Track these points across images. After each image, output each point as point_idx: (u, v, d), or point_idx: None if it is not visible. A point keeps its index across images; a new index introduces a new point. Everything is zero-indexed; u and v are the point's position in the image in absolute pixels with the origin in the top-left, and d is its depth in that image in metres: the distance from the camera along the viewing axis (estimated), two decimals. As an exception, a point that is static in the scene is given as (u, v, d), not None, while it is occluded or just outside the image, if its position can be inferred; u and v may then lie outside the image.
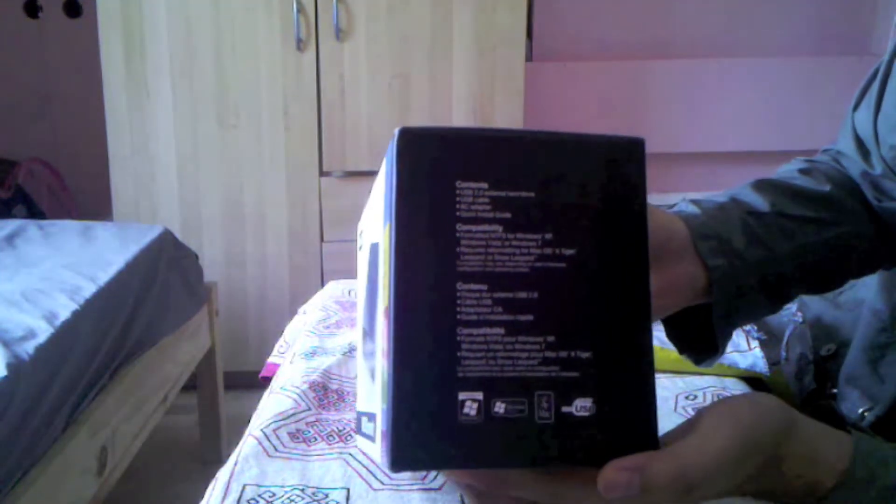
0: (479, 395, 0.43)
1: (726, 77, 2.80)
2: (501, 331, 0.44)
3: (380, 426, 0.45)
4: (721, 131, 2.84)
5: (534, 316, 0.44)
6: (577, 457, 0.44)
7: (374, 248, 0.50)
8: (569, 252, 0.45)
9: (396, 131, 0.44)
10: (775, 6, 2.82)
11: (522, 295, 0.44)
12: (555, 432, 0.44)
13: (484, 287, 0.44)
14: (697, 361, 0.65)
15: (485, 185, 0.45)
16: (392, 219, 0.44)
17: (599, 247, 0.46)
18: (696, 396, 0.85)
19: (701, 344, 0.64)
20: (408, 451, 0.42)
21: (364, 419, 0.55)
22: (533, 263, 0.45)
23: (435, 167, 0.44)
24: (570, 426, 0.44)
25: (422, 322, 0.43)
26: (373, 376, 0.49)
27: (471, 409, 0.43)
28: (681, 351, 0.65)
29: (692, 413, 0.82)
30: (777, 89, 2.80)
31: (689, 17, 2.82)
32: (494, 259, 0.44)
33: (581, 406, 0.44)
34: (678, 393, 0.86)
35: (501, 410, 0.43)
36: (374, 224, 0.50)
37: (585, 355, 0.45)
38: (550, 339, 0.44)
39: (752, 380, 0.91)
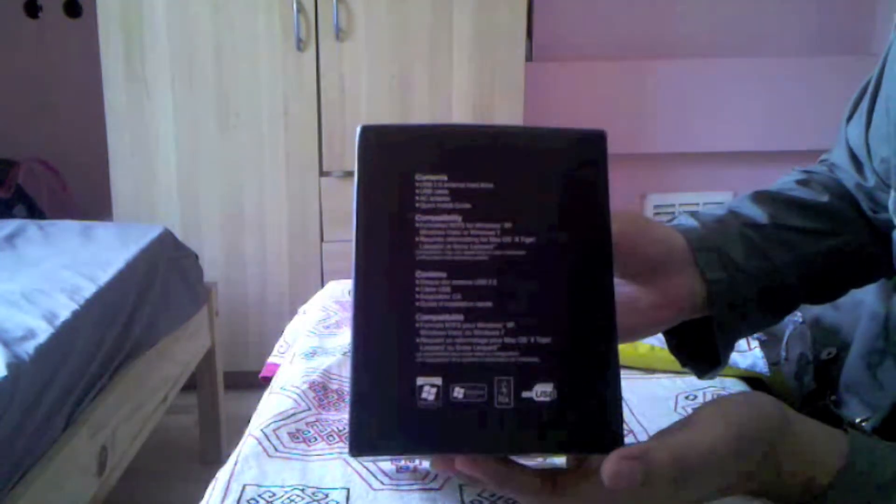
0: (438, 381, 0.44)
1: (726, 77, 2.80)
2: (460, 317, 0.45)
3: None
4: (721, 131, 2.84)
5: (493, 303, 0.45)
6: (540, 442, 0.45)
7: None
8: (528, 240, 0.46)
9: (358, 129, 0.46)
10: (775, 6, 2.82)
11: (482, 282, 0.46)
12: (515, 417, 0.44)
13: (443, 275, 0.45)
14: (700, 374, 0.64)
15: (444, 178, 0.46)
16: (354, 211, 0.46)
17: (559, 236, 0.47)
18: (695, 396, 0.85)
19: (702, 356, 0.64)
20: (367, 436, 0.44)
21: None
22: (492, 252, 0.46)
23: (394, 162, 0.46)
24: (531, 411, 0.44)
25: (381, 309, 0.45)
26: None
27: (429, 394, 0.44)
28: (683, 364, 0.65)
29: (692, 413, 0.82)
30: (777, 89, 2.80)
31: (690, 17, 2.81)
32: (453, 248, 0.46)
33: (542, 391, 0.45)
34: (678, 393, 0.86)
35: (460, 396, 0.44)
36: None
37: (545, 341, 0.45)
38: (510, 325, 0.45)
39: (752, 380, 0.91)
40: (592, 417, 0.45)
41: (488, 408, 0.44)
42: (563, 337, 0.45)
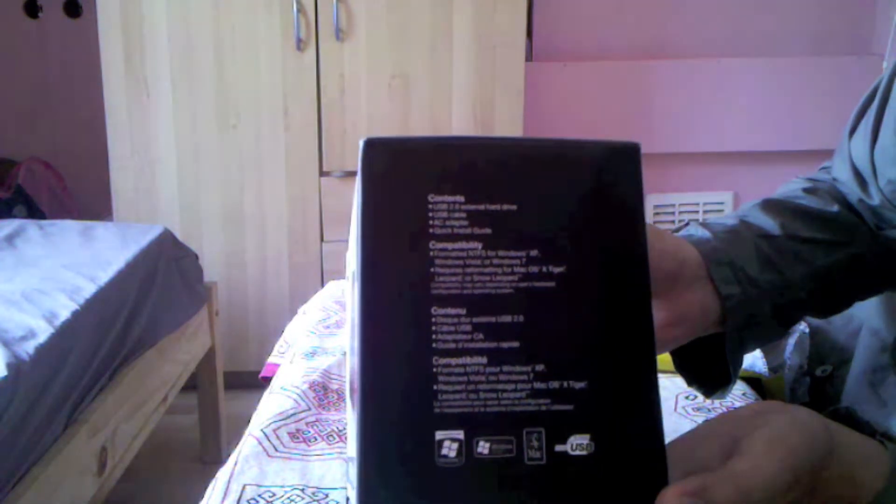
0: (460, 434, 0.39)
1: (726, 77, 2.80)
2: (483, 360, 0.40)
3: (354, 471, 0.40)
4: (721, 131, 2.84)
5: (520, 342, 0.40)
6: (576, 503, 0.40)
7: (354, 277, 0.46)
8: (557, 270, 0.41)
9: (361, 142, 0.41)
10: (775, 6, 2.82)
11: (506, 319, 0.40)
12: (548, 474, 0.39)
13: (462, 311, 0.40)
14: (708, 393, 0.61)
15: (461, 199, 0.41)
16: (359, 238, 0.40)
17: (592, 263, 0.42)
18: (695, 396, 0.85)
19: (707, 374, 0.61)
20: (378, 501, 0.38)
21: (350, 465, 0.49)
22: (517, 283, 0.40)
23: (405, 180, 0.40)
24: (566, 467, 0.39)
25: (392, 352, 0.39)
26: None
27: (450, 449, 0.39)
28: (689, 383, 0.62)
29: (692, 413, 0.82)
30: (777, 89, 2.80)
31: (689, 17, 2.82)
32: (473, 280, 0.40)
33: (577, 444, 0.40)
34: (678, 393, 0.86)
35: (485, 451, 0.39)
36: (353, 250, 0.46)
37: (580, 385, 0.40)
38: (539, 368, 0.40)
39: (751, 379, 0.91)
40: (636, 468, 0.40)
41: (517, 464, 0.39)
42: (600, 380, 0.40)
